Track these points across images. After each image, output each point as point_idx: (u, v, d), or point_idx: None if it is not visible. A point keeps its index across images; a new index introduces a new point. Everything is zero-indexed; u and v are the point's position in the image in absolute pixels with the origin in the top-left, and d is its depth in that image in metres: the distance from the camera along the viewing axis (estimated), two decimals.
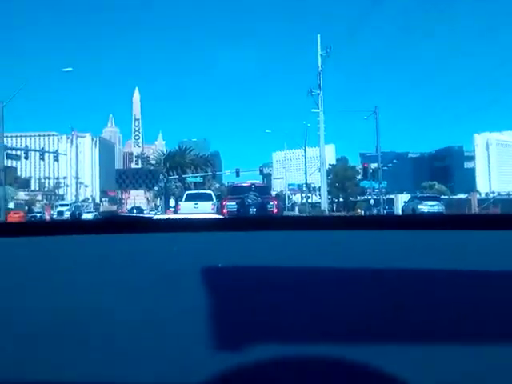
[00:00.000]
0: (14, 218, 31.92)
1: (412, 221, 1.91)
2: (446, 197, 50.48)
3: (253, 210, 16.42)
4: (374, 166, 42.97)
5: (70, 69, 36.58)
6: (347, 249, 1.40)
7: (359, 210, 44.78)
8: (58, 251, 1.43)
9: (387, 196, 43.39)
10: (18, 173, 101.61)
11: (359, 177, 63.51)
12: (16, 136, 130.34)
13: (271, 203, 19.84)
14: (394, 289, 1.02)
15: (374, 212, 39.22)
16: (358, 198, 59.51)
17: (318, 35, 42.26)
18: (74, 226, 1.87)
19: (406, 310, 0.88)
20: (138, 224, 1.80)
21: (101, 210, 56.35)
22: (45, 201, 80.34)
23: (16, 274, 1.19)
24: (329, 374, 0.69)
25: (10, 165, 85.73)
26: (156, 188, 54.40)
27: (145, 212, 42.36)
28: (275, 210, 19.74)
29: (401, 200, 42.52)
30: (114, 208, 60.22)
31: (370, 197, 47.78)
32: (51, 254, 1.41)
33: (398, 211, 38.57)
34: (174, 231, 1.59)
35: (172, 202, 46.50)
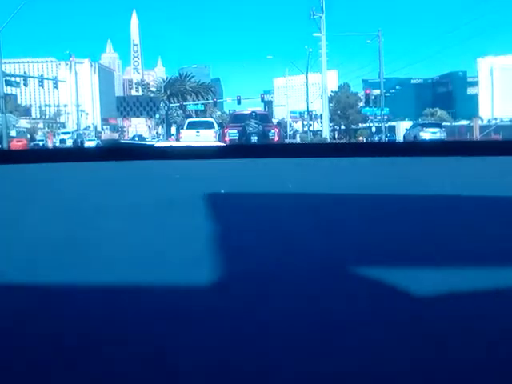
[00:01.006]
0: (16, 145, 32.08)
1: (413, 147, 1.98)
2: (448, 123, 50.22)
3: (254, 138, 16.68)
4: (376, 92, 42.55)
5: None
6: (349, 175, 1.43)
7: (361, 138, 44.79)
8: (61, 178, 1.45)
9: (389, 123, 43.26)
10: (19, 101, 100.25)
11: (361, 104, 62.84)
12: (14, 62, 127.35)
13: (272, 131, 19.95)
14: (395, 214, 1.03)
15: (376, 139, 39.28)
16: (360, 125, 59.17)
17: None
18: (77, 153, 1.96)
19: (406, 235, 0.87)
20: (140, 151, 1.89)
21: (102, 137, 56.02)
22: (46, 129, 79.98)
23: (21, 200, 1.21)
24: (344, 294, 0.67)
25: (9, 92, 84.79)
26: (157, 116, 54.06)
27: (147, 140, 42.39)
28: (276, 138, 19.85)
29: (402, 127, 42.37)
30: (116, 136, 60.01)
31: (371, 124, 47.58)
32: (54, 180, 1.43)
33: (400, 138, 38.63)
34: (176, 158, 1.63)
35: (173, 130, 46.53)
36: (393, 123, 48.02)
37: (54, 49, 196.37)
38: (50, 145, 43.85)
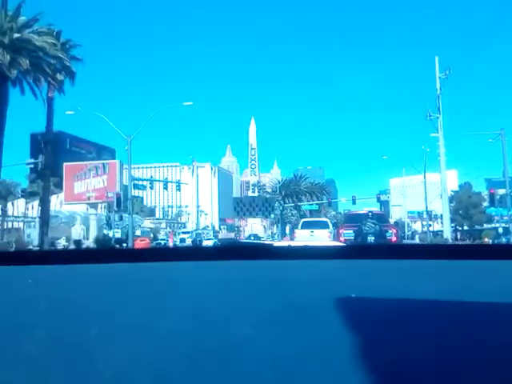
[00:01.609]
0: (140, 244, 33.96)
1: None
2: None
3: (371, 239, 15.94)
4: (501, 191, 40.18)
5: (190, 103, 38.47)
6: (477, 279, 1.32)
7: (486, 239, 41.83)
8: (181, 276, 1.45)
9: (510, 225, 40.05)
10: (144, 202, 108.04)
11: (485, 203, 59.67)
12: (142, 167, 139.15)
13: (390, 231, 19.08)
14: None
15: (504, 241, 36.43)
16: (485, 225, 55.78)
17: (436, 57, 40.76)
18: (196, 252, 1.97)
19: None
20: (259, 250, 1.83)
21: (219, 236, 57.87)
22: (168, 228, 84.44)
23: (148, 295, 1.17)
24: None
25: (136, 194, 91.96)
26: (272, 215, 54.99)
27: (262, 239, 42.90)
28: (394, 239, 18.92)
29: None
30: (232, 235, 61.74)
31: (497, 224, 44.64)
32: (175, 277, 1.43)
33: None
34: (296, 258, 1.59)
35: (287, 230, 46.79)
36: None
37: (179, 155, 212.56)
38: (170, 244, 45.92)
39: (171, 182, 68.48)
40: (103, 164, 60.60)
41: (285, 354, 0.78)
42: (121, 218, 40.83)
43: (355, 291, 1.11)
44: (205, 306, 1.07)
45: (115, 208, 38.12)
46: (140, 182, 50.22)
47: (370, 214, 18.58)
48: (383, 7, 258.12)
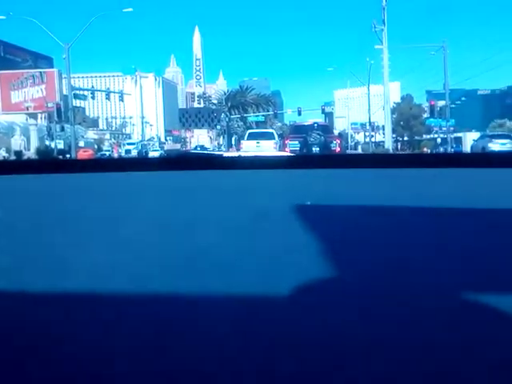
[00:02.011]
0: (83, 155, 33.31)
1: (482, 158, 1.94)
2: None
3: (316, 149, 16.45)
4: (441, 103, 41.37)
5: (130, 9, 36.86)
6: (416, 186, 1.39)
7: (425, 149, 43.54)
8: (126, 187, 1.46)
9: (455, 135, 41.84)
10: (87, 113, 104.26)
11: (425, 115, 61.30)
12: (82, 77, 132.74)
13: (334, 142, 19.73)
14: (465, 227, 0.97)
15: (441, 150, 38.10)
16: (424, 136, 57.73)
17: None
18: (145, 162, 2.03)
19: (476, 247, 0.81)
20: (209, 161, 1.91)
21: (166, 148, 56.86)
22: (113, 139, 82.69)
23: (88, 208, 1.18)
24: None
25: (78, 105, 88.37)
26: (218, 127, 54.70)
27: (208, 150, 43.04)
28: (338, 149, 19.66)
29: (469, 138, 40.86)
30: (178, 146, 61.04)
31: (436, 135, 46.28)
32: (121, 189, 1.44)
33: (467, 150, 37.25)
34: (247, 168, 1.63)
35: (234, 141, 46.99)
36: (459, 134, 46.42)
37: (120, 64, 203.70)
38: (115, 155, 45.23)
39: (114, 92, 66.19)
40: (40, 73, 57.68)
41: (251, 260, 0.79)
42: (62, 129, 39.62)
43: (308, 199, 1.15)
44: (165, 215, 1.09)
45: (56, 118, 36.94)
46: (81, 92, 48.19)
47: (316, 125, 19.00)
48: None
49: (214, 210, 1.10)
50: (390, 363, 0.54)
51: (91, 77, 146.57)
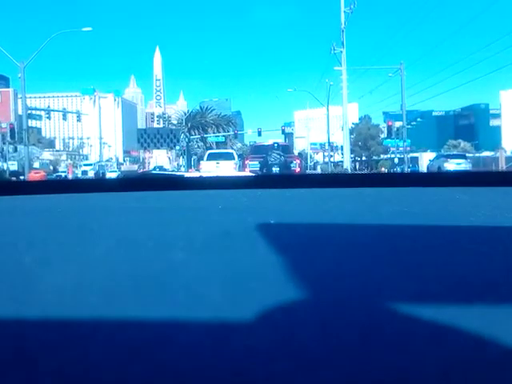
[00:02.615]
0: (34, 176, 32.11)
1: (437, 178, 1.96)
2: (471, 155, 49.55)
3: (276, 170, 16.23)
4: (398, 124, 42.26)
5: (89, 28, 36.43)
6: (374, 205, 1.42)
7: (383, 169, 44.29)
8: (91, 207, 1.45)
9: (411, 154, 42.77)
10: (43, 133, 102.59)
11: (382, 135, 62.60)
12: (40, 97, 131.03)
13: (294, 162, 19.62)
14: (418, 245, 0.96)
15: (398, 170, 38.78)
16: (382, 156, 58.82)
17: None
18: (102, 183, 1.99)
19: (425, 267, 0.82)
20: (170, 181, 1.87)
21: (122, 169, 55.56)
22: (69, 160, 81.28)
23: (48, 229, 1.15)
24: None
25: (34, 125, 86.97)
26: (177, 147, 54.07)
27: (167, 171, 42.35)
28: (298, 169, 19.39)
29: (425, 158, 41.90)
30: (135, 167, 59.65)
31: (393, 155, 47.17)
32: (86, 208, 1.43)
33: (423, 169, 38.05)
34: (208, 188, 1.63)
35: (193, 162, 46.56)
36: (415, 154, 47.53)
37: (79, 84, 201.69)
38: (70, 176, 44.03)
39: (71, 112, 64.94)
40: None
41: (218, 279, 0.79)
42: (15, 150, 38.51)
43: (270, 218, 1.16)
44: (128, 236, 1.07)
45: (9, 139, 35.86)
46: (36, 112, 47.03)
47: (276, 145, 18.79)
48: None
49: (179, 230, 1.11)
50: None
51: (49, 97, 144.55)
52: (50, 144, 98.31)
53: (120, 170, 52.15)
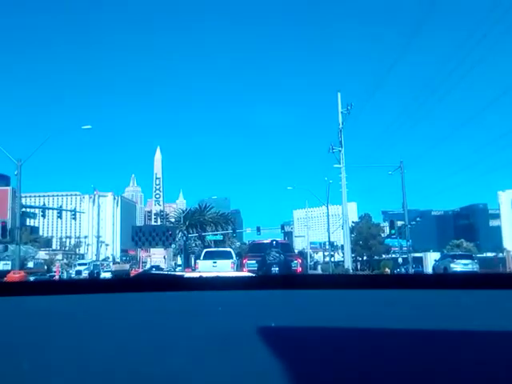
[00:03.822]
0: (13, 277, 30.25)
1: (446, 280, 1.84)
2: (478, 255, 48.40)
3: (275, 269, 14.79)
4: (399, 223, 41.61)
5: (89, 126, 36.67)
6: (383, 308, 1.38)
7: (387, 269, 42.88)
8: (82, 309, 1.40)
9: (412, 254, 41.60)
10: (40, 232, 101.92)
11: (384, 235, 61.80)
12: (39, 196, 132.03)
13: (295, 261, 18.35)
14: (430, 350, 0.96)
15: (403, 271, 37.41)
16: (383, 256, 57.66)
17: (339, 93, 42.16)
18: (94, 284, 1.86)
19: (435, 371, 0.83)
20: (164, 282, 1.80)
21: (113, 269, 51.97)
22: (65, 260, 79.82)
23: (40, 332, 1.12)
24: None
25: (31, 224, 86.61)
26: (173, 245, 52.66)
27: (164, 271, 40.80)
28: (299, 269, 18.13)
29: (429, 258, 40.79)
30: (127, 267, 56.65)
31: (395, 255, 46.11)
32: (75, 311, 1.37)
33: (428, 270, 36.84)
34: (207, 289, 1.61)
35: (193, 260, 45.13)
36: (417, 254, 46.32)
37: (80, 183, 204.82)
38: (56, 276, 41.84)
39: (66, 210, 64.37)
40: None
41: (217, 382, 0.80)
42: (6, 248, 37.25)
43: (270, 321, 1.14)
44: (126, 339, 1.03)
45: (0, 238, 34.82)
46: (31, 210, 46.29)
47: (275, 242, 17.30)
48: (290, 45, 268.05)
49: (178, 333, 1.11)
50: None
51: (49, 196, 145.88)
52: (47, 243, 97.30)
53: (110, 270, 49.85)
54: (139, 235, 48.77)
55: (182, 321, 1.20)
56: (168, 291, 1.58)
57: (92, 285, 1.87)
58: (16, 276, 30.07)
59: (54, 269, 52.23)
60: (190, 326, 1.15)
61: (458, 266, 29.37)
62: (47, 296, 1.54)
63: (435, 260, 36.10)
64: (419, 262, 42.21)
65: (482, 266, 33.96)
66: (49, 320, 1.25)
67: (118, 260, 76.38)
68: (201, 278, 2.03)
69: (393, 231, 36.33)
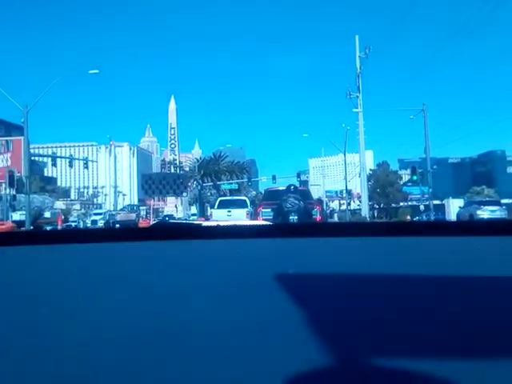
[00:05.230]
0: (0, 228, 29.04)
1: (474, 226, 1.83)
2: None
3: (294, 218, 13.27)
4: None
5: (96, 71, 35.96)
6: (411, 255, 1.38)
7: (408, 217, 41.98)
8: (93, 258, 1.43)
9: (432, 202, 40.58)
10: (59, 183, 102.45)
11: (401, 182, 60.70)
12: (56, 146, 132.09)
13: (315, 209, 16.56)
14: (456, 297, 0.94)
15: (424, 218, 36.49)
16: (401, 204, 56.73)
17: (356, 36, 40.25)
18: (118, 233, 1.94)
19: (466, 317, 0.81)
20: (184, 231, 1.79)
21: (118, 218, 48.70)
22: (82, 210, 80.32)
23: (64, 280, 1.15)
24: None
25: (49, 175, 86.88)
26: (185, 194, 51.53)
27: (176, 220, 40.06)
28: (319, 218, 16.52)
29: (452, 205, 39.76)
30: (133, 216, 53.49)
31: (416, 203, 45.20)
32: (94, 259, 1.41)
33: (450, 217, 35.95)
34: (221, 238, 1.61)
35: (208, 210, 44.53)
36: (436, 202, 45.30)
37: (96, 134, 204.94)
38: (59, 226, 40.04)
39: (76, 159, 63.67)
40: (7, 141, 55.74)
41: (233, 329, 0.78)
42: (14, 198, 36.60)
43: (289, 268, 1.14)
44: (143, 286, 1.04)
45: (8, 187, 34.37)
46: (40, 159, 45.72)
47: (292, 187, 14.78)
48: None
49: (194, 280, 1.10)
50: None
51: (65, 146, 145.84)
52: (66, 193, 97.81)
53: (115, 220, 47.00)
54: (149, 183, 46.88)
55: (196, 268, 1.20)
56: (183, 239, 1.59)
57: (104, 234, 1.89)
58: (2, 227, 28.94)
59: (78, 219, 51.44)
60: (204, 273, 1.15)
61: (485, 213, 28.46)
62: (58, 245, 1.56)
63: (459, 207, 35.00)
64: (440, 209, 41.16)
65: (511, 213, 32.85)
66: (61, 269, 1.28)
67: (133, 209, 75.75)
68: (215, 226, 2.06)
69: (414, 177, 34.98)
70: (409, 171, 40.71)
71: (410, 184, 41.06)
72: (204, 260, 1.32)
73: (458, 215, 32.61)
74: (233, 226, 2.01)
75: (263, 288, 0.99)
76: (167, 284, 1.04)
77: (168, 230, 1.83)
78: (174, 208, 67.08)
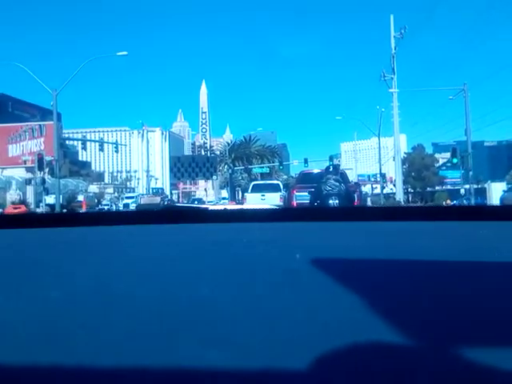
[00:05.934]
0: (12, 211, 29.50)
1: None
2: None
3: (334, 202, 11.86)
4: (447, 155, 39.29)
5: (125, 52, 35.98)
6: (468, 240, 1.33)
7: (448, 201, 40.82)
8: (129, 239, 1.44)
9: (472, 185, 39.32)
10: (93, 167, 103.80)
11: (437, 165, 59.17)
12: (89, 132, 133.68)
13: (355, 193, 15.13)
14: (495, 285, 0.90)
15: (464, 202, 35.35)
16: (437, 188, 55.37)
17: (391, 15, 38.92)
18: (122, 217, 1.90)
19: (502, 300, 0.79)
20: (190, 214, 1.80)
21: (141, 202, 47.59)
22: (116, 193, 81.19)
23: (78, 262, 1.15)
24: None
25: (84, 159, 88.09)
26: (215, 177, 50.60)
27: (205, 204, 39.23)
28: (357, 202, 14.99)
29: (494, 189, 38.43)
30: (157, 200, 52.55)
31: (450, 186, 43.94)
32: (121, 241, 1.41)
33: (492, 202, 34.76)
34: (225, 221, 1.59)
35: (240, 194, 43.87)
36: (475, 186, 43.93)
37: (128, 119, 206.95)
38: (83, 209, 39.92)
39: (107, 142, 63.84)
40: (40, 125, 56.15)
41: (251, 314, 0.77)
42: (43, 182, 36.76)
43: (322, 253, 1.12)
44: (152, 270, 1.03)
45: (37, 170, 34.46)
46: (70, 142, 45.62)
47: (332, 167, 13.72)
48: None
49: (203, 264, 1.09)
50: None
51: (98, 131, 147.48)
52: (99, 177, 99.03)
53: (138, 203, 46.11)
54: (178, 166, 45.61)
55: (206, 252, 1.19)
56: (195, 223, 1.58)
57: (119, 217, 1.89)
58: (15, 211, 29.36)
59: (110, 202, 50.89)
60: (214, 257, 1.14)
61: None
62: (79, 227, 1.56)
63: (503, 191, 33.84)
64: (480, 193, 39.84)
65: None
66: (76, 250, 1.28)
67: (168, 194, 75.76)
68: (225, 210, 2.06)
69: (455, 160, 33.77)
70: (443, 155, 39.49)
71: (444, 168, 39.80)
72: (212, 244, 1.29)
73: (501, 199, 31.34)
74: (257, 209, 1.96)
75: (278, 273, 0.96)
76: (175, 268, 1.04)
77: (175, 214, 1.82)
78: (204, 192, 66.55)
